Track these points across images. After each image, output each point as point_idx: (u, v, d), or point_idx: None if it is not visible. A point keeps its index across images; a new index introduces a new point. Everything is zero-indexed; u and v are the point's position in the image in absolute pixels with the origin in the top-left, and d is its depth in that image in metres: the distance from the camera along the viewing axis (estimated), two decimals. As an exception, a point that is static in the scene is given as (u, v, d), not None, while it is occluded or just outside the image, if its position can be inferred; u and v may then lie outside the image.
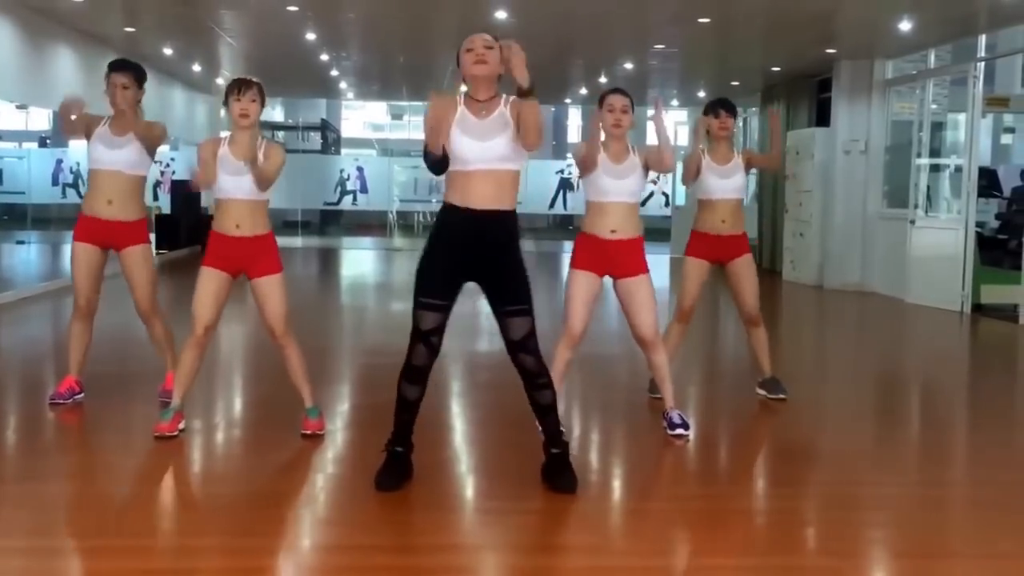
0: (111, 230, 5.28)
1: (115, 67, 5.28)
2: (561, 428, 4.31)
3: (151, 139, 5.32)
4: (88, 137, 5.30)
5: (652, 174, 5.15)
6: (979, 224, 10.99)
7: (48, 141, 17.68)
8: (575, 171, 5.19)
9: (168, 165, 17.24)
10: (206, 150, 4.85)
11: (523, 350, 4.14)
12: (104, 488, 4.32)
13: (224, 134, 4.92)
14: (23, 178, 15.41)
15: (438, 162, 4.07)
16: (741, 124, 17.00)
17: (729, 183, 5.77)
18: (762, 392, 6.03)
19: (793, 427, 5.68)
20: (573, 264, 5.06)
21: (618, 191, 4.98)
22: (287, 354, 4.94)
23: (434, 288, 4.12)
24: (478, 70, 4.09)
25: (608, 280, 5.08)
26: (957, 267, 10.73)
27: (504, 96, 4.16)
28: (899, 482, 4.68)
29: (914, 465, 5.08)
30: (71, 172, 16.28)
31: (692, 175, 5.77)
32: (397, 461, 4.19)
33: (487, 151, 4.05)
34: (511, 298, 4.14)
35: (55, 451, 4.91)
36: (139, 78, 5.30)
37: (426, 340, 4.12)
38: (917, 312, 10.92)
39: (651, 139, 5.18)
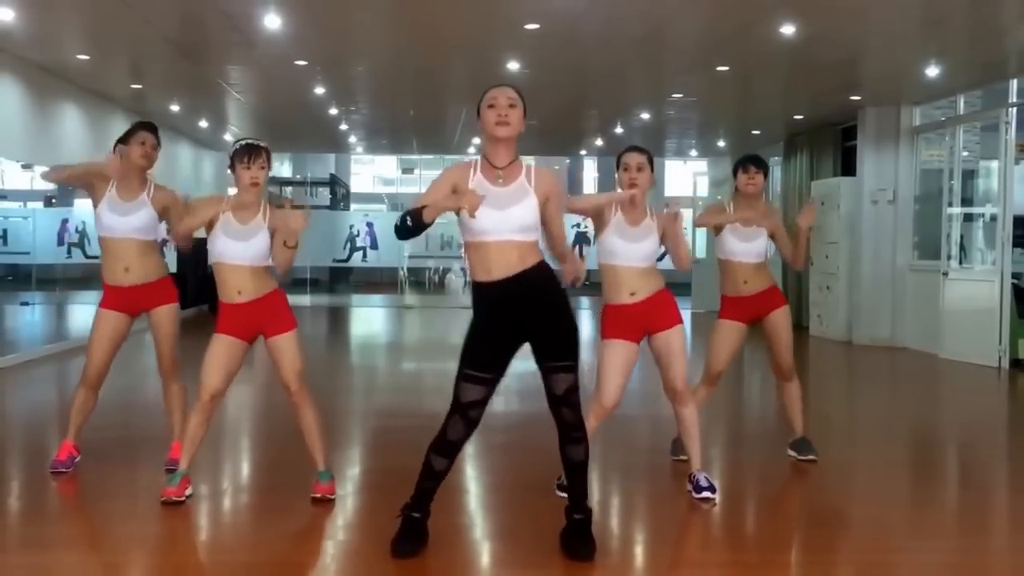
0: (138, 294, 5.17)
1: (144, 127, 5.24)
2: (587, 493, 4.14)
3: (174, 208, 5.22)
4: (90, 193, 5.20)
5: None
6: (1015, 275, 10.75)
7: (53, 200, 17.61)
8: (591, 225, 5.02)
9: None
10: (209, 204, 4.73)
11: (565, 404, 4.02)
12: (108, 557, 4.19)
13: (231, 191, 4.80)
14: (27, 238, 15.33)
15: (417, 228, 3.90)
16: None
17: (751, 247, 5.62)
18: (792, 453, 5.83)
19: (825, 490, 5.47)
20: (605, 334, 4.90)
21: (627, 255, 4.84)
22: (302, 412, 4.80)
23: (482, 361, 3.98)
24: (501, 132, 3.96)
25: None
26: (993, 320, 10.49)
27: (524, 165, 4.04)
28: (937, 548, 4.47)
29: (953, 531, 4.86)
30: (76, 232, 16.23)
31: (710, 222, 5.69)
32: (413, 527, 4.04)
33: (505, 222, 3.90)
34: (558, 353, 4.00)
35: (58, 519, 4.78)
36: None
37: (465, 413, 3.98)
38: (952, 368, 10.64)
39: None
